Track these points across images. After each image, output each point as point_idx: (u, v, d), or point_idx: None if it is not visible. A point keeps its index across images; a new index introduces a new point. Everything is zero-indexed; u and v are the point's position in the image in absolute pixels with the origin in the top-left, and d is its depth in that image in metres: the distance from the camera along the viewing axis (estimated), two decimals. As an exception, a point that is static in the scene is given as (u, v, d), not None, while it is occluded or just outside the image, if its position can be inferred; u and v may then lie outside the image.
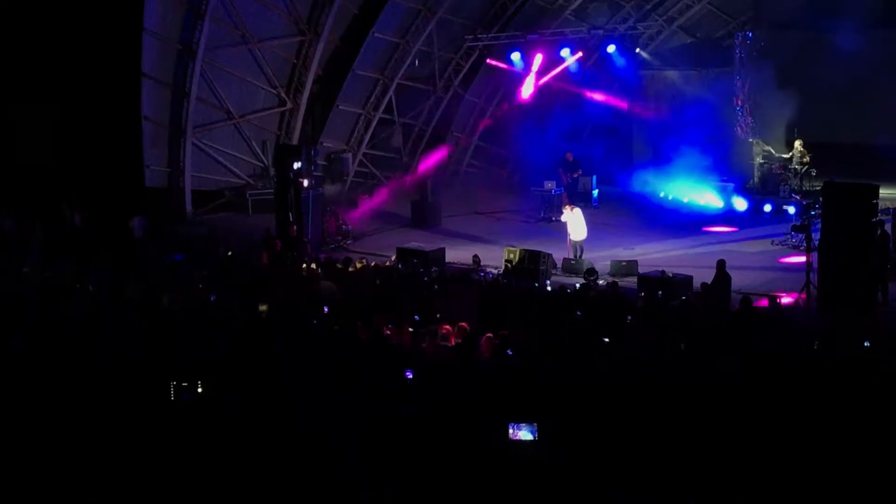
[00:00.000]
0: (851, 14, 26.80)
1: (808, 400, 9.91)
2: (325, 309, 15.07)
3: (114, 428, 9.71)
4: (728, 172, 30.11)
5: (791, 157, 28.14)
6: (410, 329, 13.33)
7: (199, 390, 10.11)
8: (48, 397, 10.25)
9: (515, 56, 30.13)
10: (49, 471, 9.21)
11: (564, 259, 21.34)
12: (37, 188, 23.21)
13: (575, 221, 21.89)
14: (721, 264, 17.73)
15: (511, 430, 8.98)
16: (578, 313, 15.68)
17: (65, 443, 9.58)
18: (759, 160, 29.61)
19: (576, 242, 21.77)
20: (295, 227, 22.16)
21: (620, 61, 30.47)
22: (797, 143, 28.00)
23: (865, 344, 12.20)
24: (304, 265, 18.95)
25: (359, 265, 18.74)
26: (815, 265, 17.74)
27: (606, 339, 13.08)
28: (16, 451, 9.45)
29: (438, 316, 14.71)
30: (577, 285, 18.42)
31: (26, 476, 9.08)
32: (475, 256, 20.60)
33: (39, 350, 11.58)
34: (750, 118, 29.80)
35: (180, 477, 9.05)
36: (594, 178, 29.39)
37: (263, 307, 14.07)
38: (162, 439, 9.53)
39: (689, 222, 26.12)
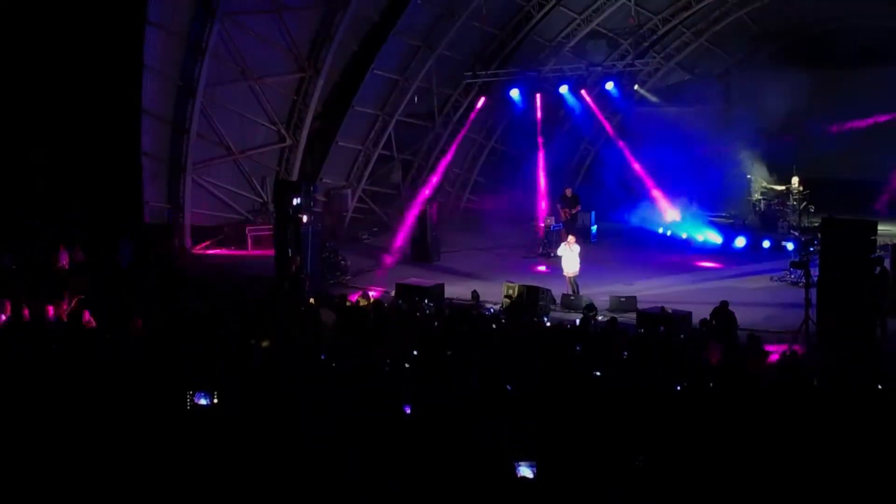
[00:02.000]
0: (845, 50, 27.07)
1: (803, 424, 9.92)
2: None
3: (114, 431, 9.72)
4: (726, 208, 30.20)
5: (788, 193, 28.22)
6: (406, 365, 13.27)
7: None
8: (49, 402, 10.31)
9: (514, 93, 30.34)
10: (49, 472, 9.22)
11: (563, 295, 21.31)
12: (36, 222, 23.24)
13: (569, 256, 21.88)
14: (724, 305, 17.68)
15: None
16: (578, 348, 15.61)
17: (65, 445, 9.60)
18: (756, 196, 29.72)
19: (569, 277, 21.75)
20: (295, 263, 22.13)
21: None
22: (794, 179, 28.09)
23: (879, 387, 12.09)
24: (305, 300, 18.89)
25: (363, 303, 18.66)
26: (814, 301, 17.72)
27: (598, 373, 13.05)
28: (16, 453, 9.46)
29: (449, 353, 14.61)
30: (577, 321, 18.38)
31: (26, 477, 9.08)
32: (474, 292, 20.58)
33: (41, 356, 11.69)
34: (747, 154, 29.95)
35: (180, 477, 9.05)
36: (593, 213, 29.49)
37: (265, 343, 13.99)
38: (162, 441, 9.54)
39: (687, 258, 26.14)
